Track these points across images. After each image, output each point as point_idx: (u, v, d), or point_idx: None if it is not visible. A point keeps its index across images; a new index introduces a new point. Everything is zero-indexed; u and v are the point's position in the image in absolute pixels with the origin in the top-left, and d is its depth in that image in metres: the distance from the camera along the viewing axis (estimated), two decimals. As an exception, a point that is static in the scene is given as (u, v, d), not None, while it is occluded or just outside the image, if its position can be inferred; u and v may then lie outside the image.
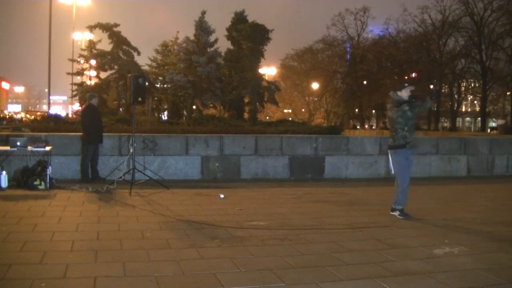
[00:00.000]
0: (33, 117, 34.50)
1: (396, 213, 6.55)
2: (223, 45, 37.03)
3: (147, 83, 20.67)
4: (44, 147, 8.74)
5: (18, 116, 45.17)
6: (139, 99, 8.94)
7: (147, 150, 9.97)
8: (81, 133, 9.69)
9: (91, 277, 3.91)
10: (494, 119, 48.15)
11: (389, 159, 6.70)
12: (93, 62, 35.37)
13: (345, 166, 11.12)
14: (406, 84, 6.64)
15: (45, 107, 41.20)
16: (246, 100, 34.82)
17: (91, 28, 33.52)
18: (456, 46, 40.55)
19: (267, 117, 54.46)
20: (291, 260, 4.54)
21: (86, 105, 10.44)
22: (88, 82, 37.23)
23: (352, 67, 47.25)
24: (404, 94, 6.52)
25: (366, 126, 50.53)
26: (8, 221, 5.86)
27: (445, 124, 50.70)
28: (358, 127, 47.79)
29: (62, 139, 9.78)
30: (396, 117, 6.45)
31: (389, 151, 6.70)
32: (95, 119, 9.69)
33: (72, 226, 5.72)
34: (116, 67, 33.85)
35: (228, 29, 35.48)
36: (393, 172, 6.63)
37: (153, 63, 40.42)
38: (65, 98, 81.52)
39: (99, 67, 34.85)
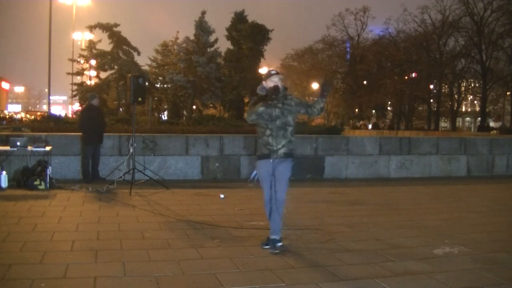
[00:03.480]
0: (33, 117, 34.49)
1: (278, 246, 4.86)
2: (223, 45, 37.07)
3: (147, 83, 20.69)
4: (44, 147, 8.74)
5: (18, 116, 45.15)
6: (139, 99, 8.94)
7: (147, 150, 9.97)
8: (80, 133, 9.69)
9: (91, 277, 3.91)
10: (492, 119, 48.18)
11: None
12: (93, 62, 35.39)
13: (345, 166, 11.12)
14: (273, 72, 4.97)
15: (45, 107, 41.21)
16: (246, 100, 34.81)
17: (91, 28, 33.53)
18: (456, 46, 40.54)
19: (267, 117, 54.40)
20: (291, 260, 4.53)
21: (85, 106, 10.46)
22: (88, 82, 37.25)
23: (352, 67, 47.22)
24: (270, 84, 4.87)
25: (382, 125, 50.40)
26: (8, 221, 5.86)
27: (445, 124, 50.68)
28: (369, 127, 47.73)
29: (62, 139, 9.78)
30: (250, 119, 4.90)
31: (288, 161, 5.09)
32: (94, 120, 9.64)
33: (72, 226, 5.72)
34: (116, 67, 33.86)
35: (228, 29, 35.50)
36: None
37: (153, 63, 40.42)
38: (65, 98, 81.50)
39: (99, 67, 34.87)
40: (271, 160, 4.88)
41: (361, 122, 42.78)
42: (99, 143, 9.63)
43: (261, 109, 4.83)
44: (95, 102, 10.12)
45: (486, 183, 10.88)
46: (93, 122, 9.58)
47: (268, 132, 4.85)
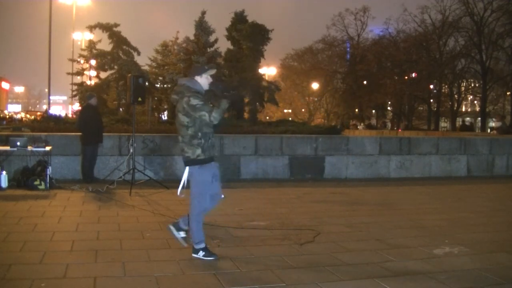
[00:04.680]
0: (33, 117, 34.49)
1: (200, 254, 4.52)
2: (223, 45, 37.10)
3: (147, 83, 20.67)
4: (44, 147, 8.74)
5: (18, 116, 45.13)
6: (139, 99, 8.95)
7: (147, 150, 9.97)
8: (80, 133, 9.69)
9: (91, 277, 3.91)
10: (493, 119, 48.19)
11: (184, 178, 4.57)
12: (93, 62, 35.38)
13: (345, 166, 11.12)
14: (206, 67, 4.70)
15: (45, 107, 41.15)
16: (246, 100, 34.82)
17: (91, 28, 33.52)
18: (456, 46, 40.52)
19: (267, 117, 54.42)
20: (291, 260, 4.53)
21: (83, 106, 10.45)
22: (88, 82, 37.24)
23: (352, 67, 47.21)
24: (205, 82, 4.65)
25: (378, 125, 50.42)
26: (8, 221, 5.86)
27: (445, 124, 50.65)
28: (358, 127, 47.80)
29: (62, 139, 9.78)
30: (215, 120, 4.45)
31: (191, 167, 4.52)
32: (92, 120, 9.60)
33: (72, 226, 5.72)
34: (116, 67, 33.85)
35: (228, 29, 35.48)
36: (182, 195, 4.52)
37: (153, 63, 40.41)
38: (65, 98, 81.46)
39: (99, 67, 34.86)
40: (213, 163, 4.60)
41: (351, 122, 42.85)
42: (98, 143, 9.61)
43: (227, 105, 4.57)
44: (93, 101, 10.09)
45: (486, 183, 10.88)
46: (91, 122, 9.55)
47: (212, 133, 4.59)
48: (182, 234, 4.65)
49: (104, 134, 9.86)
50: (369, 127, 40.43)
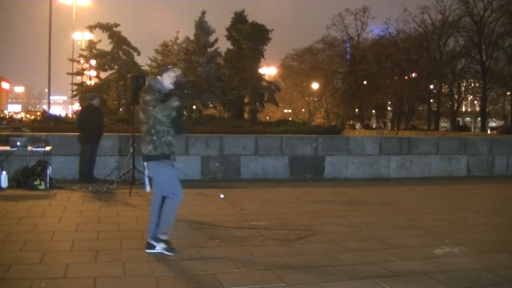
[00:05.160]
0: (33, 117, 34.49)
1: (160, 248, 4.60)
2: (223, 45, 37.11)
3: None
4: (44, 147, 8.74)
5: (18, 116, 45.12)
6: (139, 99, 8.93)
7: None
8: (79, 133, 9.68)
9: (91, 277, 3.91)
10: (494, 119, 48.19)
11: (146, 173, 4.84)
12: (93, 62, 35.39)
13: (345, 166, 11.12)
14: (169, 67, 4.91)
15: (45, 107, 41.16)
16: (246, 100, 34.82)
17: (91, 28, 33.53)
18: (456, 46, 40.54)
19: (267, 117, 54.42)
20: (291, 260, 4.54)
21: (84, 106, 10.46)
22: (88, 82, 37.24)
23: (352, 67, 47.23)
24: (167, 81, 4.73)
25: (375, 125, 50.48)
26: (8, 221, 5.86)
27: (445, 124, 50.69)
28: (356, 127, 47.84)
29: (62, 139, 9.79)
30: (161, 117, 4.59)
31: (147, 163, 4.83)
32: (93, 120, 9.60)
33: (72, 226, 5.72)
34: (116, 67, 33.87)
35: (228, 29, 35.49)
36: (148, 189, 4.75)
37: (153, 63, 40.43)
38: (65, 98, 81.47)
39: (99, 67, 34.87)
40: (170, 161, 4.74)
41: (349, 122, 42.92)
42: (96, 143, 9.60)
43: (176, 103, 4.63)
44: (95, 102, 10.10)
45: (486, 183, 10.88)
46: (91, 122, 9.55)
47: (171, 131, 4.71)
48: (162, 245, 4.61)
49: (104, 134, 9.86)
50: (367, 127, 40.56)
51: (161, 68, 5.00)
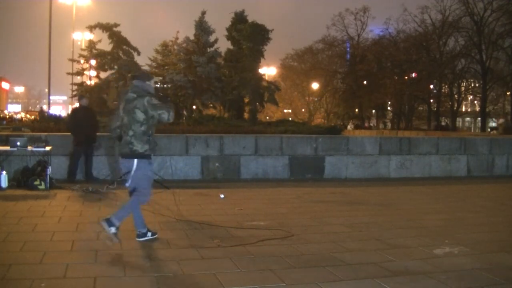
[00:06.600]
0: (33, 117, 34.48)
1: (111, 231, 4.67)
2: (223, 45, 37.16)
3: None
4: (44, 147, 8.73)
5: (18, 116, 45.12)
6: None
7: (147, 150, 9.95)
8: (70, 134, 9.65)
9: (91, 277, 3.90)
10: (494, 119, 48.19)
11: (132, 172, 4.92)
12: (93, 62, 35.42)
13: (345, 166, 11.12)
14: (152, 75, 5.54)
15: (45, 107, 41.15)
16: (246, 100, 34.85)
17: (91, 28, 33.60)
18: (456, 46, 40.60)
19: (267, 117, 54.47)
20: (291, 260, 4.53)
21: (74, 108, 10.45)
22: (88, 82, 37.26)
23: (352, 67, 47.26)
24: (151, 86, 5.21)
25: (366, 125, 50.55)
26: (8, 221, 5.86)
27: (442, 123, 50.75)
28: (348, 127, 47.97)
29: (62, 139, 9.77)
30: (150, 115, 4.90)
31: (138, 160, 4.90)
32: (83, 120, 9.51)
33: (72, 226, 5.72)
34: (116, 67, 33.92)
35: (228, 29, 35.54)
36: (128, 184, 4.94)
37: (153, 63, 40.45)
38: (65, 98, 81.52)
39: (99, 67, 34.93)
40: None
41: (341, 123, 43.14)
42: (91, 143, 9.56)
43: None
44: (83, 102, 10.08)
45: (486, 183, 10.87)
46: (84, 123, 9.47)
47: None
48: (113, 230, 4.70)
49: (103, 134, 9.84)
50: (357, 127, 40.74)
51: (146, 74, 5.49)
